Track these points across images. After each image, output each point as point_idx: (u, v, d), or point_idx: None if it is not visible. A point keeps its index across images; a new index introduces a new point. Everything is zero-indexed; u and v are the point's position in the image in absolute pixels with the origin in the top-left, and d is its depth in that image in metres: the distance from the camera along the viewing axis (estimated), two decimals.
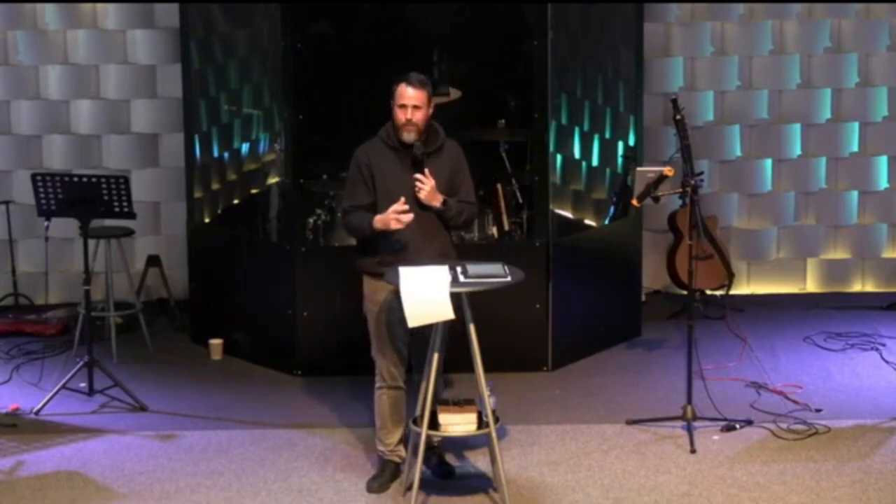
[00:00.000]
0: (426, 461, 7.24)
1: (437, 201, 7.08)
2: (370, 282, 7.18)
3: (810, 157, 10.56)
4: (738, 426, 7.88)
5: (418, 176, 7.03)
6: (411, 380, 7.26)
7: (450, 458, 7.42)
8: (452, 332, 6.98)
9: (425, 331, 6.91)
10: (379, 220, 7.00)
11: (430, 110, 7.12)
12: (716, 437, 7.79)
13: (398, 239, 7.06)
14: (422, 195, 7.04)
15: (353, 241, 8.94)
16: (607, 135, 9.61)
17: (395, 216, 6.94)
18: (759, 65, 10.45)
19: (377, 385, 7.23)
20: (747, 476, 7.28)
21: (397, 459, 7.24)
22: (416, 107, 7.02)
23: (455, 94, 9.38)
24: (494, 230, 9.09)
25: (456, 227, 7.32)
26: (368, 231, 7.06)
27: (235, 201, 9.73)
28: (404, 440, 7.25)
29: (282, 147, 8.96)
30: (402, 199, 6.98)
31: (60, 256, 10.27)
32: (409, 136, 7.06)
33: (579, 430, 7.94)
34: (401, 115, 7.04)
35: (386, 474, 7.23)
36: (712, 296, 10.16)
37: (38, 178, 8.31)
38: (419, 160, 7.06)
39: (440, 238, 7.19)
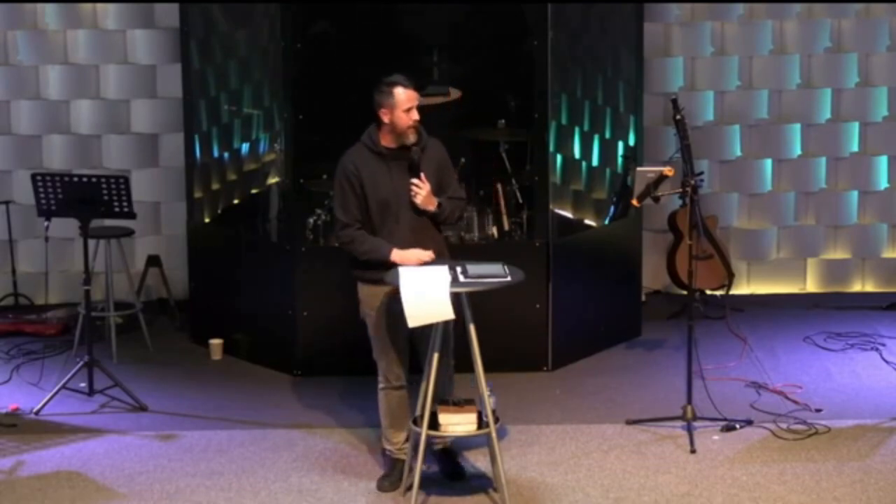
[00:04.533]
0: (439, 462, 7.26)
1: (432, 205, 7.08)
2: (365, 288, 7.17)
3: (810, 157, 10.56)
4: (738, 426, 7.88)
5: (415, 181, 7.03)
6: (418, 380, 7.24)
7: None
8: (458, 332, 7.02)
9: (426, 331, 6.92)
10: (398, 257, 6.97)
11: None
12: (716, 437, 7.79)
13: (393, 245, 7.06)
14: (418, 200, 7.03)
15: None
16: (607, 135, 9.61)
17: (418, 258, 6.95)
18: (759, 65, 10.45)
19: (380, 386, 7.23)
20: (747, 476, 7.28)
21: (405, 457, 7.22)
22: (418, 107, 7.04)
23: (455, 94, 9.38)
24: (494, 230, 9.08)
25: (449, 225, 7.32)
26: (385, 261, 7.00)
27: (235, 201, 9.73)
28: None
29: (282, 147, 8.96)
30: (431, 253, 6.99)
31: (60, 256, 10.26)
32: (413, 138, 7.06)
33: (579, 430, 7.94)
34: (406, 120, 7.01)
35: (395, 473, 7.22)
36: (712, 296, 10.15)
37: (38, 178, 8.31)
38: (416, 164, 7.05)
39: (435, 240, 7.18)
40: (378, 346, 7.19)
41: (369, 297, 7.15)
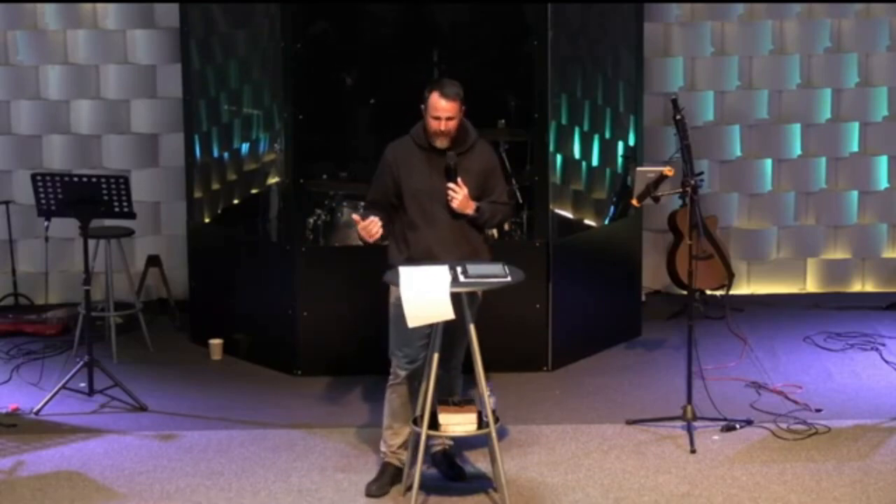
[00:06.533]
0: (437, 464, 7.24)
1: (469, 209, 7.04)
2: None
3: (810, 157, 10.56)
4: (738, 426, 7.88)
5: (451, 185, 7.01)
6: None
7: None
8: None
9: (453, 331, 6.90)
10: (360, 229, 7.00)
11: (462, 114, 7.08)
12: (716, 437, 7.79)
13: (427, 240, 7.04)
14: (454, 204, 7.00)
15: (353, 242, 9.02)
16: (607, 135, 9.61)
17: (364, 233, 6.94)
18: (759, 65, 10.46)
19: (390, 382, 7.19)
20: (747, 476, 7.28)
21: (398, 463, 7.18)
22: (449, 118, 6.99)
23: None
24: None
25: (489, 229, 7.28)
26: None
27: (235, 201, 9.73)
28: (408, 444, 7.19)
29: (282, 147, 8.96)
30: (355, 217, 6.96)
31: (60, 256, 10.26)
32: (441, 145, 7.04)
33: (579, 430, 7.94)
34: (434, 126, 7.00)
35: (385, 477, 7.17)
36: (712, 296, 10.16)
37: (38, 178, 8.31)
38: (451, 169, 7.03)
39: (470, 241, 7.14)
40: (395, 338, 7.13)
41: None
